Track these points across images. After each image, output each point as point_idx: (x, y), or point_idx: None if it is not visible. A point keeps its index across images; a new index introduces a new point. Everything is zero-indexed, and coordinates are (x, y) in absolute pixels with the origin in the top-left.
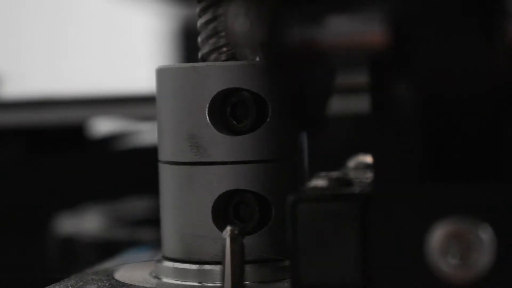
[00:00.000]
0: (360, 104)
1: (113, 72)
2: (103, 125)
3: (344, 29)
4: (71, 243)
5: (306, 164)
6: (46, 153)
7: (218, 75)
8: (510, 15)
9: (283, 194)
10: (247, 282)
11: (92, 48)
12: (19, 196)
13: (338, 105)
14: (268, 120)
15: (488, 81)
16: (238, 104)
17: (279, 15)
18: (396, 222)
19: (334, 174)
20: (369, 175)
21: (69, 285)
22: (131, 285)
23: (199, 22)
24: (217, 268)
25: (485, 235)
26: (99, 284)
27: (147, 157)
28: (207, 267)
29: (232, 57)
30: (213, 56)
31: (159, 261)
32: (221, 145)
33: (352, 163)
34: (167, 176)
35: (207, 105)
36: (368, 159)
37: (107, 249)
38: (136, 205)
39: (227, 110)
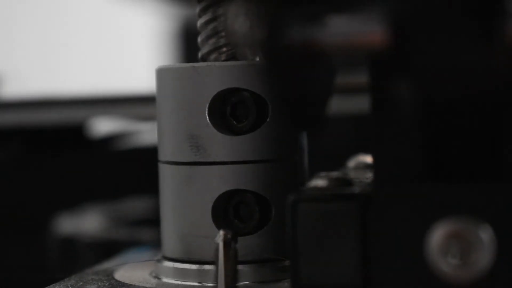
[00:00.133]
0: (360, 104)
1: (113, 72)
2: (103, 125)
3: (344, 29)
4: (71, 243)
5: (306, 164)
6: (46, 153)
7: (218, 75)
8: (510, 16)
9: (283, 194)
10: (247, 282)
11: (92, 48)
12: (19, 196)
13: (338, 105)
14: (268, 120)
15: (488, 81)
16: (238, 104)
17: (279, 15)
18: (396, 222)
19: (334, 174)
20: (369, 175)
21: (69, 285)
22: (131, 285)
23: (199, 22)
24: None
25: (485, 235)
26: (99, 284)
27: (147, 157)
28: (207, 267)
29: (232, 57)
30: (213, 56)
31: (159, 261)
32: (221, 145)
33: (352, 163)
34: (167, 176)
35: (207, 105)
36: (368, 159)
37: (107, 249)
38: (136, 205)
39: (227, 110)
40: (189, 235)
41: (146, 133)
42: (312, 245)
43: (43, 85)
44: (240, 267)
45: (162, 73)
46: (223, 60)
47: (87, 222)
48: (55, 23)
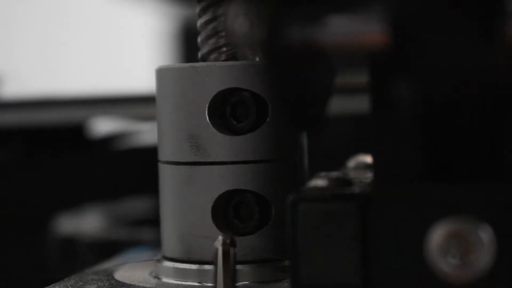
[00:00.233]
0: (360, 104)
1: (113, 72)
2: (103, 125)
3: (344, 29)
4: (71, 243)
5: (306, 164)
6: (46, 153)
7: (218, 75)
8: (510, 16)
9: (283, 194)
10: (246, 282)
11: (92, 48)
12: (19, 196)
13: (338, 105)
14: (268, 120)
15: (488, 81)
16: (238, 104)
17: (279, 15)
18: (396, 222)
19: (334, 174)
20: (369, 175)
21: (69, 285)
22: (131, 285)
23: (199, 22)
24: None
25: (485, 235)
26: (99, 284)
27: (147, 157)
28: (207, 267)
29: (232, 57)
30: (213, 56)
31: (159, 261)
32: (221, 145)
33: (352, 163)
34: (167, 176)
35: (207, 105)
36: (368, 159)
37: (107, 249)
38: (136, 205)
39: (227, 110)
40: (189, 235)
41: (146, 133)
42: (312, 245)
43: (43, 85)
44: (240, 267)
45: (162, 73)
46: (223, 60)
47: (87, 222)
48: (55, 23)
